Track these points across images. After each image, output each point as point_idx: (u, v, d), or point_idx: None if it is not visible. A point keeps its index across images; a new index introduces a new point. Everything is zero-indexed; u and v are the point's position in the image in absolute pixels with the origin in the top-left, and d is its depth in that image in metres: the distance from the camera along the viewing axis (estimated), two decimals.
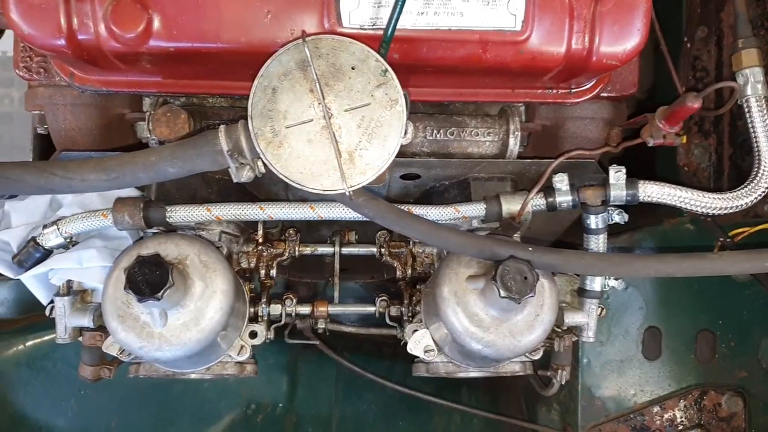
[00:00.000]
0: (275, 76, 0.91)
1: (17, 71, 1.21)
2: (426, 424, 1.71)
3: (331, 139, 0.90)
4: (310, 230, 1.49)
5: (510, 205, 1.16)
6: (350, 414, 1.70)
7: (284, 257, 1.29)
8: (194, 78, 1.14)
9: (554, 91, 1.19)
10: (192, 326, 0.99)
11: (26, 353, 1.68)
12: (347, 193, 0.90)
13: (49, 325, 1.78)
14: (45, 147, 2.95)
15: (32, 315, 1.80)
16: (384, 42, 0.93)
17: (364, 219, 1.10)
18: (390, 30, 0.91)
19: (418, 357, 1.22)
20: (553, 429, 1.56)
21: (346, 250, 1.32)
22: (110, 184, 0.95)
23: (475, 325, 1.02)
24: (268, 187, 1.31)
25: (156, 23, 0.97)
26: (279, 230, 1.36)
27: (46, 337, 1.71)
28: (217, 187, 1.23)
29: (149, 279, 0.90)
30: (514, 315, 1.02)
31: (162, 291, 0.89)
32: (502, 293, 0.94)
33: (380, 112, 0.92)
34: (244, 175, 0.95)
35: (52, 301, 1.20)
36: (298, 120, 0.91)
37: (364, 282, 1.63)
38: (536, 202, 1.15)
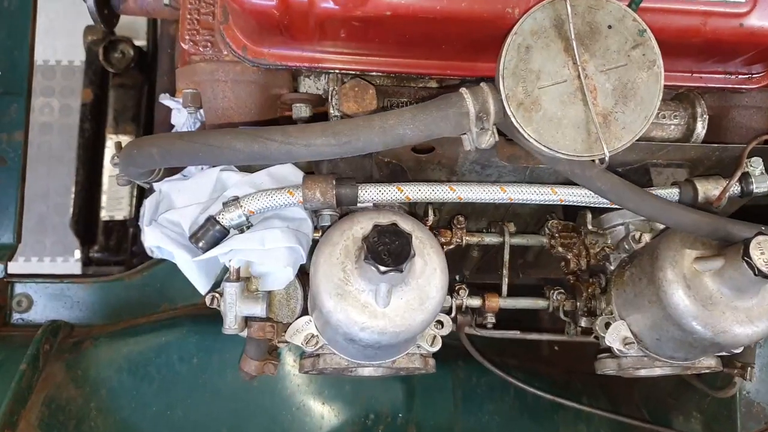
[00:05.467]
0: (529, 33, 0.85)
1: (182, 44, 1.14)
2: None
3: (586, 101, 0.84)
4: None
5: (706, 190, 1.11)
6: (473, 425, 1.60)
7: (451, 246, 1.22)
8: (374, 55, 1.08)
9: (734, 76, 1.15)
10: (416, 305, 0.91)
11: (128, 359, 1.57)
12: (606, 160, 0.84)
13: (148, 329, 1.69)
14: (90, 155, 2.84)
15: (126, 319, 1.69)
16: (634, 1, 0.88)
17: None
18: None
19: (605, 353, 1.15)
20: None
21: (514, 241, 1.25)
22: (338, 150, 0.88)
23: (709, 310, 0.95)
24: (428, 173, 1.25)
25: None
26: (437, 218, 1.29)
27: (148, 343, 1.60)
28: (386, 171, 1.17)
29: (391, 249, 0.82)
30: (749, 298, 0.95)
31: (405, 261, 0.81)
32: (759, 270, 0.87)
33: (637, 74, 0.86)
34: (485, 142, 0.88)
35: (211, 290, 1.11)
36: (551, 81, 0.85)
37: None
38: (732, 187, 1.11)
